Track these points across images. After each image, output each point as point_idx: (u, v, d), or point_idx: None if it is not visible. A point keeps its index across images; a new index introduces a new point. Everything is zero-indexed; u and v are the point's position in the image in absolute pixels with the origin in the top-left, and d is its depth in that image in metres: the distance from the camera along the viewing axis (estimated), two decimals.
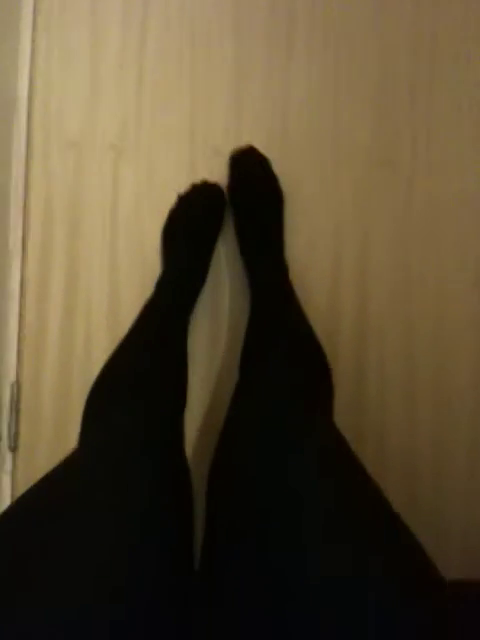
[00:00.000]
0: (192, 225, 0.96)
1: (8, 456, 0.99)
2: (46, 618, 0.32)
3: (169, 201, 1.00)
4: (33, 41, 1.02)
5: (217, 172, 1.00)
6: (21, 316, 1.01)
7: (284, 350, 0.74)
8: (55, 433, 0.99)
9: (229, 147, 1.00)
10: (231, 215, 0.98)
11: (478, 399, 0.98)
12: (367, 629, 0.31)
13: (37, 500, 0.45)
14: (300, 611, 0.34)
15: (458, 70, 1.01)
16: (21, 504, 0.45)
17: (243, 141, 1.00)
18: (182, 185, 1.00)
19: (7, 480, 0.98)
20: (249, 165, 0.98)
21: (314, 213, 1.01)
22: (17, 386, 1.00)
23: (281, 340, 0.77)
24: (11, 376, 1.00)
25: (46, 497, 0.45)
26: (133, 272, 1.01)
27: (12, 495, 0.98)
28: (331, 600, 0.34)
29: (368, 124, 1.01)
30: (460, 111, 1.01)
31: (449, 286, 1.00)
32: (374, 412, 0.98)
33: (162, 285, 0.92)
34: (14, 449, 0.99)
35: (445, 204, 1.00)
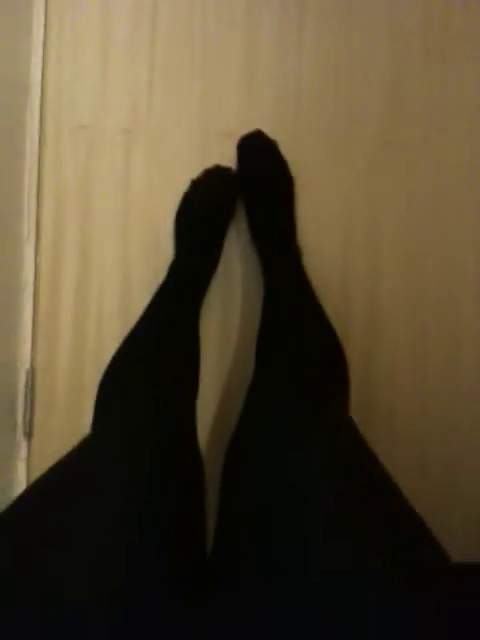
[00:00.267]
0: (205, 210, 0.95)
1: (23, 443, 1.00)
2: (45, 618, 0.32)
3: (180, 185, 0.99)
4: (45, 28, 1.02)
5: (228, 155, 0.99)
6: (35, 304, 1.01)
7: (297, 343, 0.73)
8: (69, 420, 1.00)
9: (240, 130, 0.98)
10: (242, 200, 0.98)
11: None
12: (367, 625, 0.31)
13: (45, 490, 0.45)
14: (301, 609, 0.34)
15: (471, 29, 0.99)
16: (29, 493, 0.45)
17: (254, 124, 0.98)
18: (193, 168, 0.99)
19: (22, 467, 0.99)
20: (257, 150, 0.97)
21: (324, 195, 1.00)
22: (31, 373, 1.01)
23: (294, 331, 0.76)
24: (26, 364, 1.01)
25: (55, 487, 0.45)
26: (145, 257, 1.01)
27: (28, 481, 0.99)
28: (332, 597, 0.34)
29: (378, 105, 1.00)
30: (471, 89, 0.99)
31: (459, 266, 0.99)
32: (385, 394, 0.98)
33: (175, 270, 0.92)
34: (29, 436, 1.00)
35: (454, 185, 0.99)
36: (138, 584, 0.36)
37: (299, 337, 0.75)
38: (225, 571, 0.42)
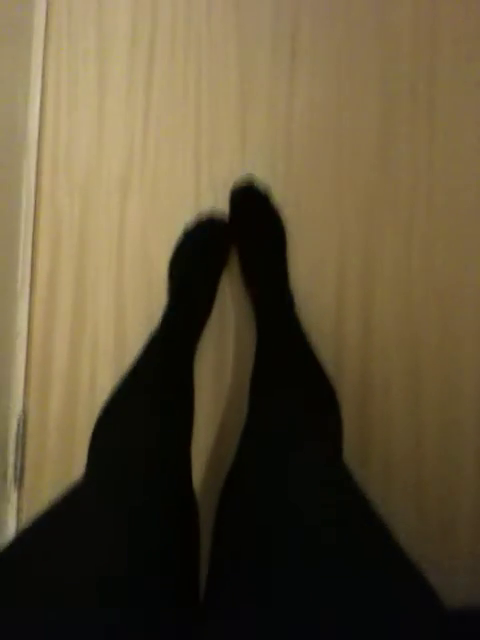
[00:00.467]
0: (197, 258, 0.98)
1: (13, 490, 0.99)
2: (45, 619, 0.32)
3: (175, 236, 1.02)
4: (43, 84, 1.07)
5: (222, 204, 1.02)
6: (28, 353, 1.03)
7: (291, 387, 0.74)
8: (60, 468, 0.99)
9: (234, 179, 1.02)
10: (235, 247, 1.00)
11: None
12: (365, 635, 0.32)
13: (40, 530, 0.45)
14: (299, 626, 0.35)
15: (459, 83, 1.03)
16: (25, 533, 0.45)
17: (247, 172, 1.02)
18: (188, 219, 1.02)
19: (13, 514, 0.98)
20: (249, 199, 1.00)
21: (319, 235, 1.02)
22: (23, 421, 1.01)
23: (288, 377, 0.77)
24: (17, 411, 1.01)
25: (50, 527, 0.46)
26: (139, 309, 1.02)
27: (17, 529, 0.98)
28: (330, 616, 0.35)
29: (370, 145, 1.03)
30: (462, 125, 1.02)
31: (453, 305, 0.99)
32: (380, 432, 0.98)
33: (168, 318, 0.93)
34: (20, 483, 0.99)
35: (447, 221, 1.00)
36: (139, 586, 0.37)
37: (292, 383, 0.77)
38: (223, 591, 0.43)
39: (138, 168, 1.05)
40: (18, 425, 1.00)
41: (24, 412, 1.01)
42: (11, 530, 0.98)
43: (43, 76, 1.07)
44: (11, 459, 0.99)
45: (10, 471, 0.99)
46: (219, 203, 1.03)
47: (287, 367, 0.80)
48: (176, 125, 1.06)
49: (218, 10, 1.07)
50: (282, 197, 1.02)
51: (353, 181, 1.03)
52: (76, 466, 0.98)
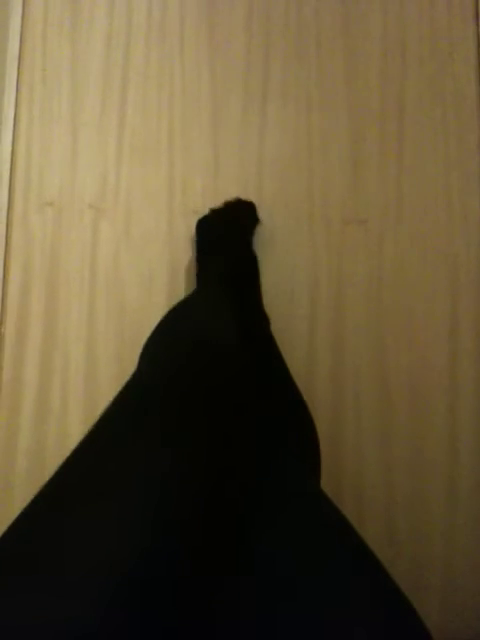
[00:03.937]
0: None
1: None
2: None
3: (148, 260, 1.02)
4: (16, 105, 1.06)
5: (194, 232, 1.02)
6: None
7: (264, 407, 0.75)
8: (29, 492, 0.97)
9: (206, 206, 1.02)
10: None
11: (454, 448, 0.98)
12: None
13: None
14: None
15: (426, 120, 1.05)
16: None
17: (219, 199, 1.02)
18: (160, 244, 1.02)
19: None
20: (218, 226, 1.01)
21: (289, 268, 1.03)
22: None
23: (262, 395, 0.78)
24: None
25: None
26: (111, 333, 1.01)
27: None
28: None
29: (341, 176, 1.04)
30: (429, 160, 1.05)
31: (422, 335, 1.01)
32: (352, 465, 0.98)
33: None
34: None
35: (415, 257, 1.02)
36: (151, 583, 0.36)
37: (267, 400, 0.77)
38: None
39: (111, 195, 1.05)
40: None
41: None
42: None
43: (16, 97, 1.06)
44: None
45: None
46: (191, 234, 1.03)
47: (262, 384, 0.80)
48: (149, 156, 1.05)
49: (191, 42, 1.07)
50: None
51: (324, 211, 1.04)
52: None
